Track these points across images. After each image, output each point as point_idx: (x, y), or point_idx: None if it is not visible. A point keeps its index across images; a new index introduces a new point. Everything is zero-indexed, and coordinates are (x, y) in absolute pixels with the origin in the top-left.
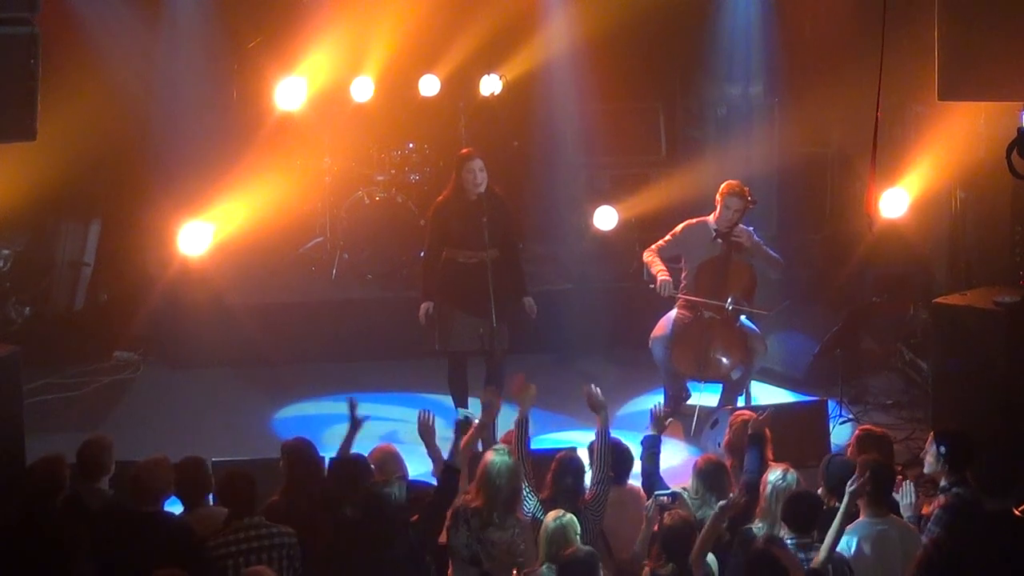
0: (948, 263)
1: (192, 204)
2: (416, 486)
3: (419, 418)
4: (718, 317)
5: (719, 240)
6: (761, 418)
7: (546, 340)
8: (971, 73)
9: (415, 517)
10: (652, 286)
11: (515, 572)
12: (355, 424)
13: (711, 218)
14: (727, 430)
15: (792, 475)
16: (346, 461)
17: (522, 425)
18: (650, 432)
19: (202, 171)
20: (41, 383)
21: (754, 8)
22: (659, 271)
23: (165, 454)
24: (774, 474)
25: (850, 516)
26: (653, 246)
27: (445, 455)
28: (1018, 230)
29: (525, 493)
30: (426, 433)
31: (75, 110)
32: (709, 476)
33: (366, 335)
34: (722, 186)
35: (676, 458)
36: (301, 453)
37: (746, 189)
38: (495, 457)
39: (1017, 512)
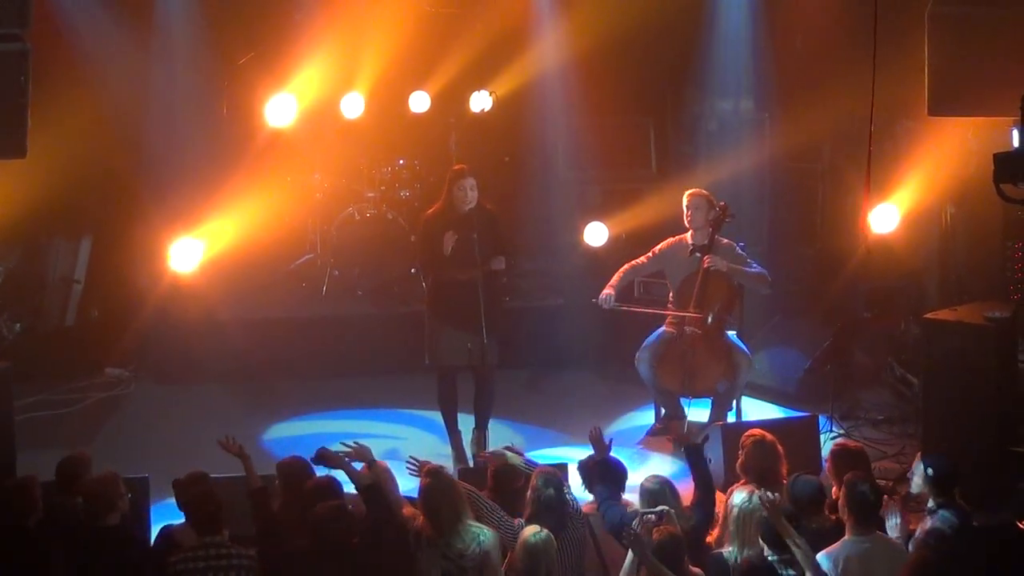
0: (939, 278)
1: (183, 220)
2: (409, 502)
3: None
4: (700, 332)
5: (697, 255)
6: (685, 433)
7: (537, 355)
8: (961, 89)
9: (355, 540)
10: (594, 300)
11: None
12: (239, 456)
13: (688, 235)
14: (740, 451)
15: (757, 497)
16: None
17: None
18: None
19: (193, 187)
20: (32, 399)
21: (745, 23)
22: (608, 285)
23: (113, 469)
24: (739, 496)
25: (837, 534)
26: (633, 261)
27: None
28: (1008, 245)
29: (504, 520)
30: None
31: (66, 127)
32: (653, 494)
33: (356, 351)
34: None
35: (668, 473)
36: (295, 471)
37: (711, 195)
38: (427, 480)
39: (1021, 525)
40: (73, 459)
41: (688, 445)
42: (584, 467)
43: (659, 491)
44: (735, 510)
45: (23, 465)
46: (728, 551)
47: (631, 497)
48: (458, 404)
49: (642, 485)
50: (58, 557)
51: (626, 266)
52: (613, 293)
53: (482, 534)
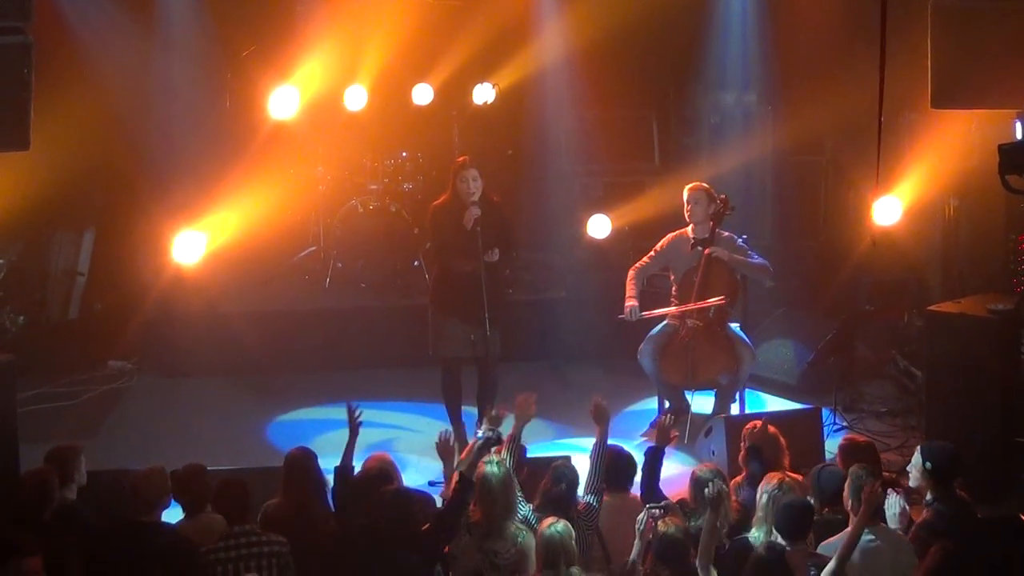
0: (942, 271)
1: (186, 213)
2: (411, 495)
3: (440, 438)
4: (701, 324)
5: (699, 248)
6: (757, 429)
7: (540, 348)
8: (964, 81)
9: (426, 527)
10: (621, 316)
11: None
12: (353, 429)
13: (689, 229)
14: (742, 444)
15: (787, 485)
16: (370, 470)
17: (515, 441)
18: (653, 444)
19: (196, 180)
20: (35, 392)
21: (748, 16)
22: (628, 297)
23: (162, 464)
24: (769, 484)
25: (843, 525)
26: (637, 264)
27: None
28: (1011, 237)
29: (522, 503)
30: (445, 452)
31: (69, 119)
32: (704, 483)
33: (360, 344)
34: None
35: (670, 466)
36: (297, 461)
37: (711, 188)
38: (489, 468)
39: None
40: (61, 450)
41: (750, 446)
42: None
43: (712, 480)
44: (764, 496)
45: (26, 458)
46: (754, 535)
47: (637, 493)
48: (461, 396)
49: (693, 473)
50: (70, 553)
51: (632, 273)
52: (637, 304)
53: (521, 534)
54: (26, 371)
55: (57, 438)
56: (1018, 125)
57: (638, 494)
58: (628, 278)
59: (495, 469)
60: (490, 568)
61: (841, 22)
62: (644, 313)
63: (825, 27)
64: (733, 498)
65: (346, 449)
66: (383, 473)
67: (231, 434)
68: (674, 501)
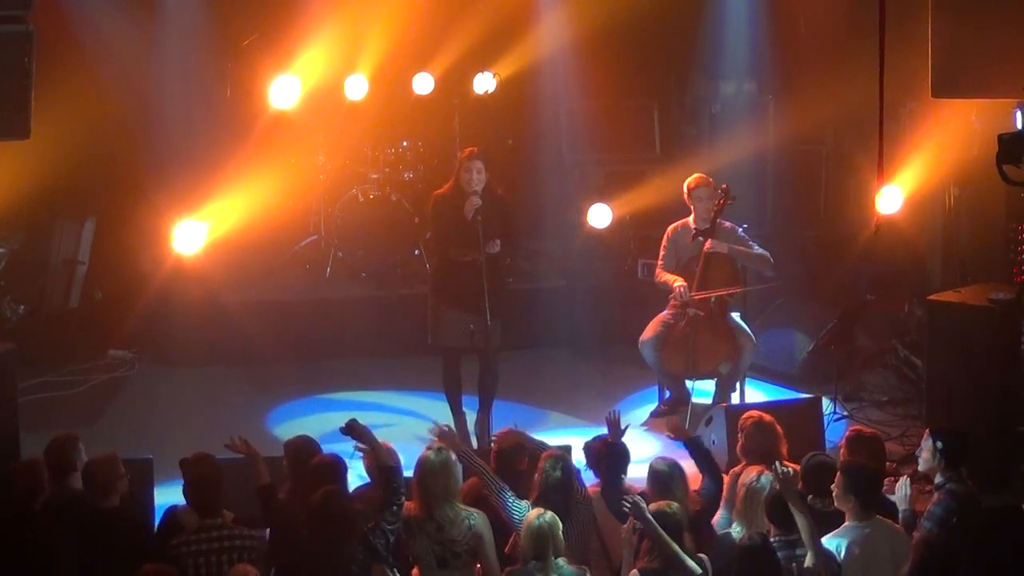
0: (942, 260)
1: (186, 202)
2: (348, 498)
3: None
4: (702, 314)
5: (700, 239)
6: (676, 426)
7: (540, 337)
8: (965, 70)
9: (371, 524)
10: (671, 296)
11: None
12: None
13: (691, 219)
14: (739, 435)
15: (767, 478)
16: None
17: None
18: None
19: (196, 169)
20: (36, 381)
21: (748, 5)
22: (675, 280)
23: (114, 450)
24: (748, 477)
25: (837, 517)
26: (657, 267)
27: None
28: (1012, 227)
29: (512, 501)
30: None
31: (69, 108)
32: (662, 476)
33: (360, 333)
34: (685, 184)
35: (673, 455)
36: (303, 451)
37: (711, 180)
38: (427, 455)
39: None
40: (60, 439)
41: (687, 439)
42: (589, 448)
43: (668, 473)
44: (744, 490)
45: (26, 447)
46: (736, 530)
47: (632, 484)
48: (462, 386)
49: (651, 466)
50: (61, 543)
51: (659, 271)
52: (687, 284)
53: (471, 517)
54: (27, 360)
55: (58, 427)
56: (1018, 115)
57: (636, 485)
58: (657, 274)
59: (432, 456)
60: (452, 556)
61: (842, 11)
62: (693, 294)
63: (826, 16)
64: (692, 489)
65: (257, 471)
66: (323, 470)
67: (231, 423)
68: (635, 493)
